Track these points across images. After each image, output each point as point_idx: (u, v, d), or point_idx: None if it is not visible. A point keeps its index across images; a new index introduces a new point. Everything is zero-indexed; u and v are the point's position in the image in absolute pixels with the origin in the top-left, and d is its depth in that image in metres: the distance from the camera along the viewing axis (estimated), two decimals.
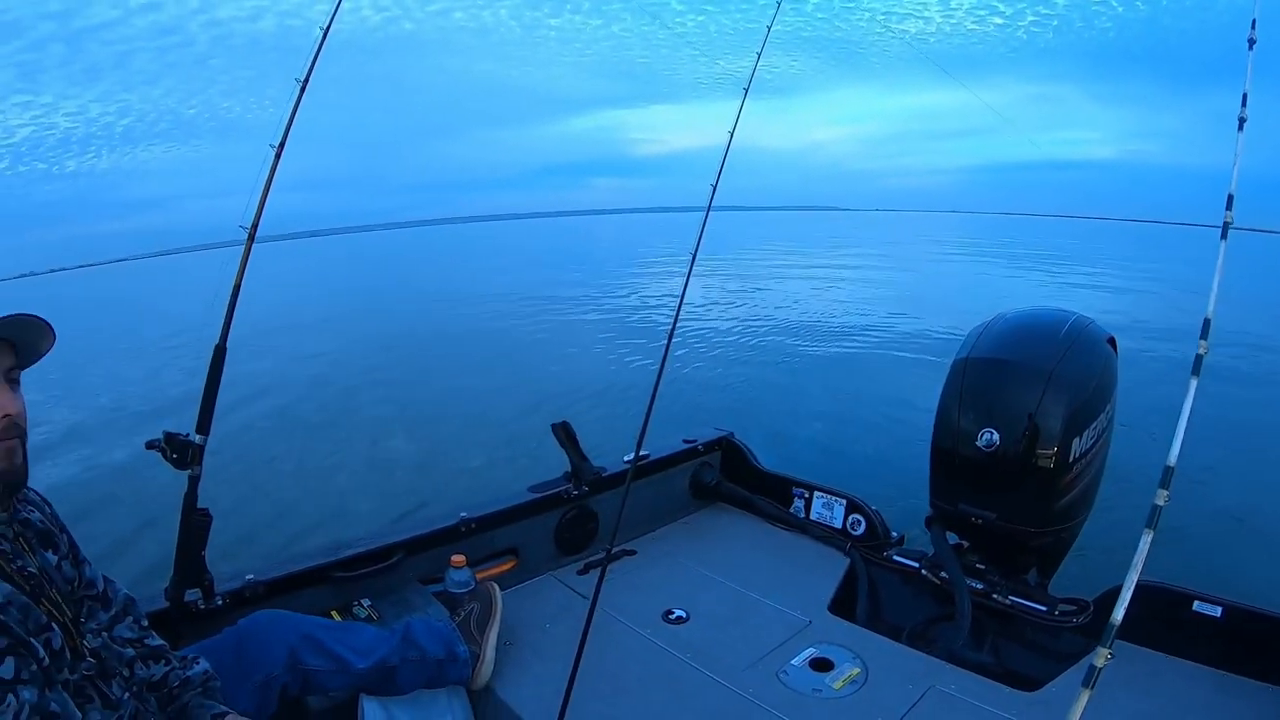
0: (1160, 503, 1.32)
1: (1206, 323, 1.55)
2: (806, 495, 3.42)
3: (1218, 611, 2.41)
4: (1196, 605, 2.44)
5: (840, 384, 10.12)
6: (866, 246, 43.50)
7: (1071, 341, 2.75)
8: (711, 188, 2.87)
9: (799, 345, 12.92)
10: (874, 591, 3.04)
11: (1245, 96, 1.92)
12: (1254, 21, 2.05)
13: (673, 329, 2.75)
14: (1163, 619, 2.46)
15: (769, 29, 3.08)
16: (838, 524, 3.30)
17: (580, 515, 3.19)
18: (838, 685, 2.35)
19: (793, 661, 2.46)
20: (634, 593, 2.90)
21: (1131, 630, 2.38)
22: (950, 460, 2.81)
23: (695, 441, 3.66)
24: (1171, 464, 1.37)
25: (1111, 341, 2.93)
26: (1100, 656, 1.28)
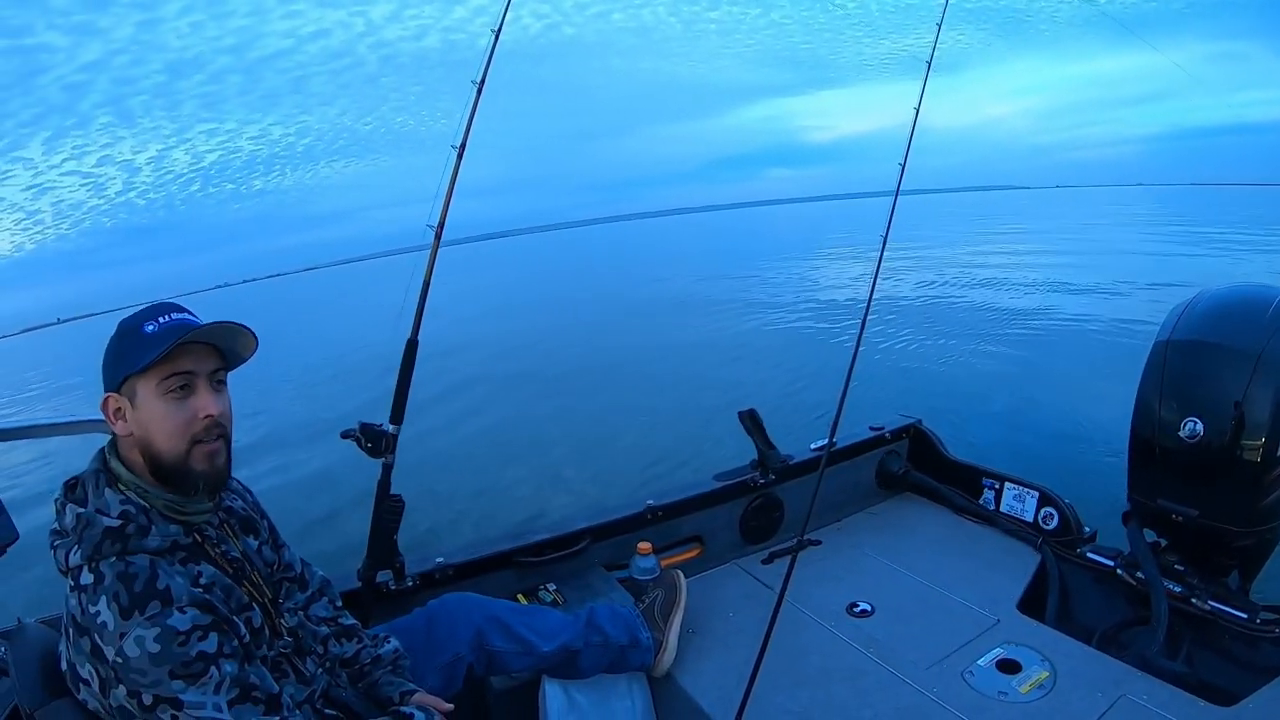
0: None
1: None
2: (997, 486, 3.27)
3: None
4: None
5: (1030, 369, 9.65)
6: (1050, 226, 41.29)
7: None
8: (900, 166, 2.79)
9: (986, 330, 12.42)
10: (1065, 590, 2.86)
11: None
12: None
13: (865, 315, 2.69)
14: None
15: (947, 4, 2.96)
16: (1029, 517, 3.13)
17: (766, 504, 3.17)
18: (1025, 689, 2.24)
19: (979, 662, 2.37)
20: (818, 584, 2.85)
21: None
22: (1150, 451, 2.60)
23: (883, 429, 3.56)
24: None
25: None
26: None
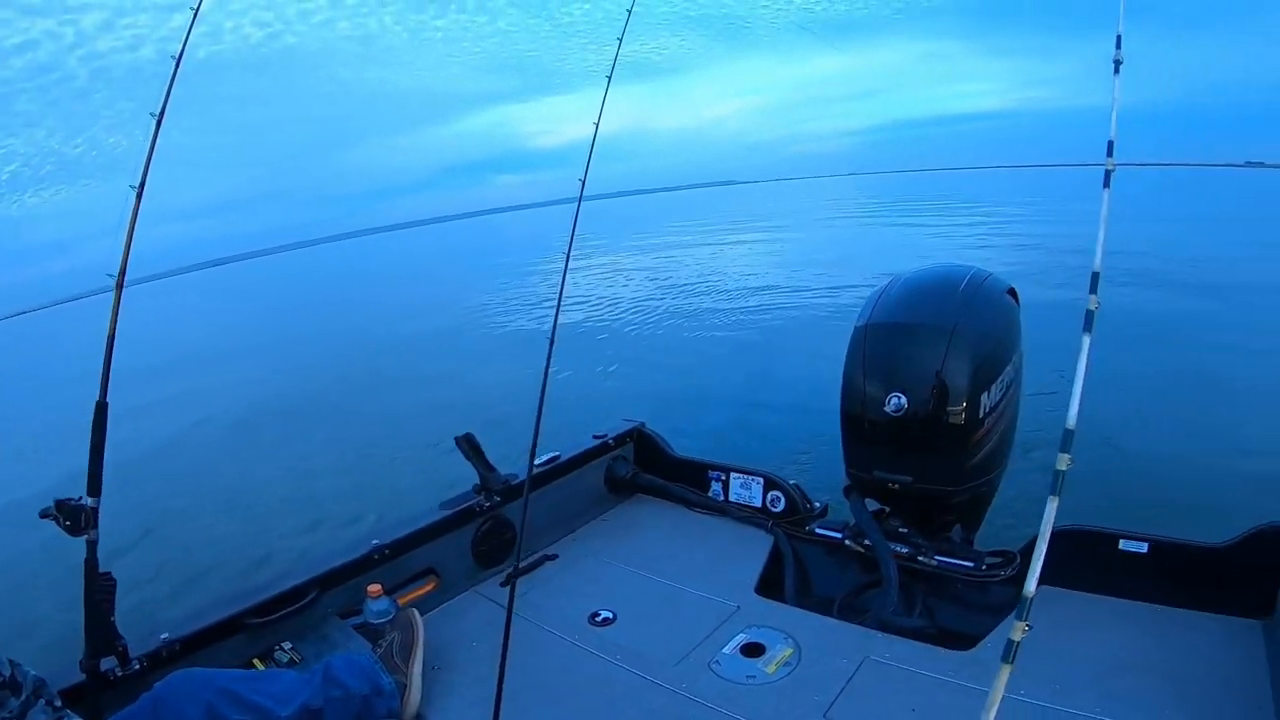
0: (1063, 467, 1.31)
1: (1095, 276, 1.54)
2: (723, 477, 3.41)
3: (1144, 548, 2.47)
4: (1123, 544, 2.50)
5: (748, 360, 10.21)
6: (768, 218, 43.82)
7: (971, 296, 2.76)
8: (580, 182, 2.79)
9: (704, 325, 12.99)
10: (800, 567, 3.04)
11: (1119, 39, 1.90)
12: None
13: (554, 328, 2.66)
14: (1091, 561, 2.51)
15: (629, 12, 3.03)
16: (757, 503, 3.29)
17: (495, 526, 3.13)
18: (771, 669, 2.33)
19: (724, 650, 2.43)
20: (558, 598, 2.85)
21: (1061, 575, 2.44)
22: (860, 428, 2.80)
23: (605, 436, 3.63)
24: (1071, 426, 1.36)
25: (1012, 293, 2.95)
26: (1023, 613, 1.26)
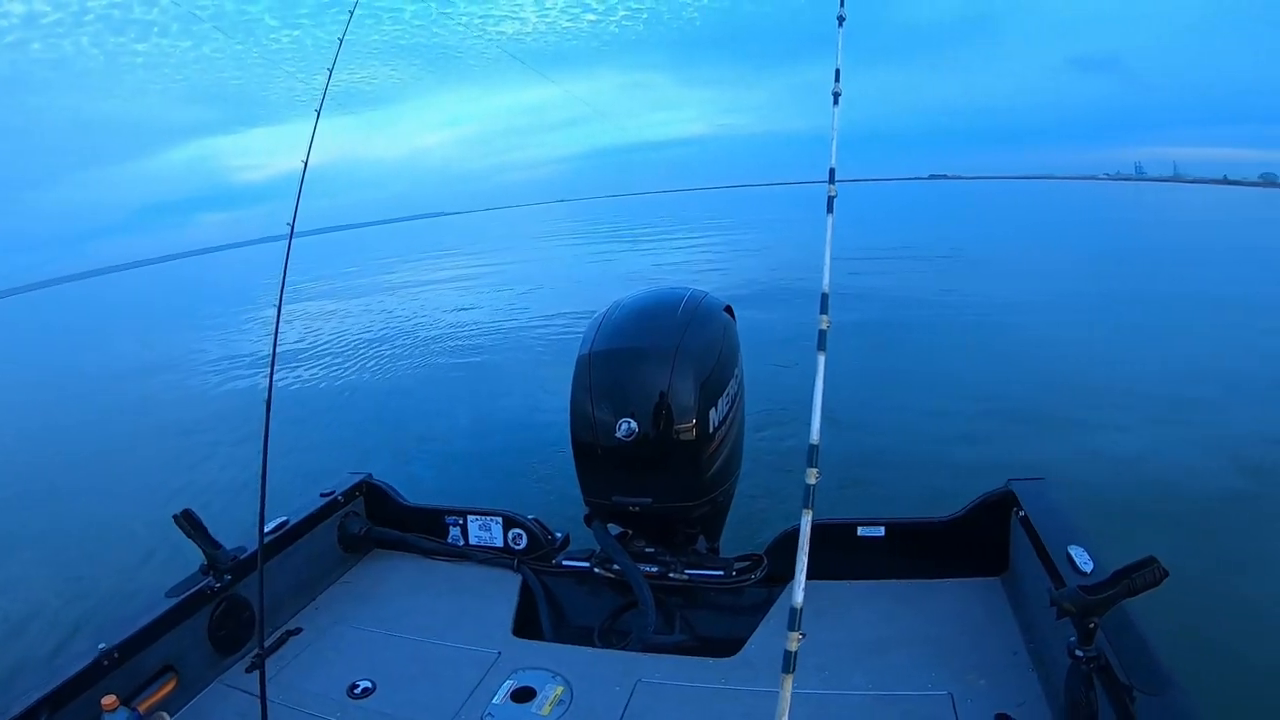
0: (812, 482, 1.37)
1: (824, 297, 1.61)
2: (461, 521, 3.28)
3: (881, 531, 2.70)
4: (861, 530, 2.70)
5: (475, 396, 10.05)
6: (481, 249, 43.75)
7: (690, 316, 2.83)
8: (289, 226, 2.60)
9: (427, 364, 12.65)
10: (554, 602, 2.99)
11: (839, 72, 2.04)
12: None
13: (270, 384, 2.47)
14: (836, 550, 2.66)
15: (341, 41, 2.88)
16: (499, 543, 3.19)
17: (231, 606, 2.80)
18: (545, 710, 2.27)
19: (494, 701, 2.34)
20: (312, 675, 2.61)
21: (810, 568, 2.55)
22: (594, 455, 2.79)
23: (333, 492, 3.36)
24: (815, 442, 1.42)
25: (729, 310, 3.07)
26: (793, 622, 1.31)
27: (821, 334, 1.57)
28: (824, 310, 1.61)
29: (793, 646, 1.28)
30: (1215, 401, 8.01)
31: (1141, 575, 1.67)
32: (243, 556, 2.78)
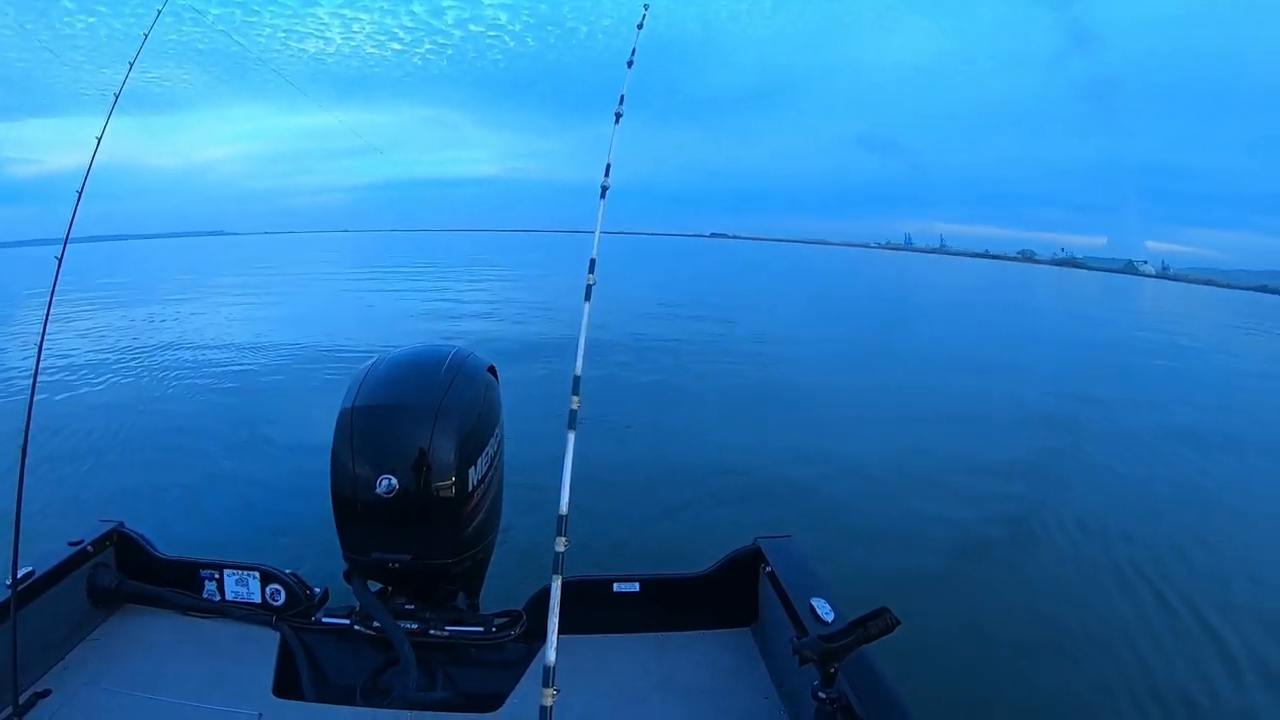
0: (560, 549, 1.53)
1: (576, 380, 1.79)
2: (217, 576, 3.15)
3: (636, 587, 2.91)
4: (616, 586, 2.91)
5: (237, 437, 9.58)
6: (255, 275, 41.61)
7: (454, 375, 2.93)
8: (63, 245, 2.58)
9: (187, 398, 11.97)
10: (314, 661, 2.96)
11: (609, 167, 2.25)
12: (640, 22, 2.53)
13: (28, 420, 2.40)
14: (592, 606, 2.87)
15: (146, 36, 2.84)
16: (256, 599, 3.10)
17: None
18: None
19: None
20: None
21: (568, 623, 2.69)
22: (354, 511, 2.81)
23: (82, 542, 3.16)
24: (564, 513, 1.59)
25: (492, 370, 3.21)
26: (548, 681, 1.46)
27: (572, 414, 1.74)
28: (575, 391, 1.79)
29: (548, 702, 1.43)
30: (956, 472, 9.06)
31: (876, 624, 1.95)
32: None
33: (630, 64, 2.48)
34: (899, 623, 1.92)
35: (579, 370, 1.80)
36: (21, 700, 2.41)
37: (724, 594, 2.96)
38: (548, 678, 1.46)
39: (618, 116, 2.26)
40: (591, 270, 2.02)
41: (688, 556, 3.36)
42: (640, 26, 2.65)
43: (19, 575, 2.54)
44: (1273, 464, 11.09)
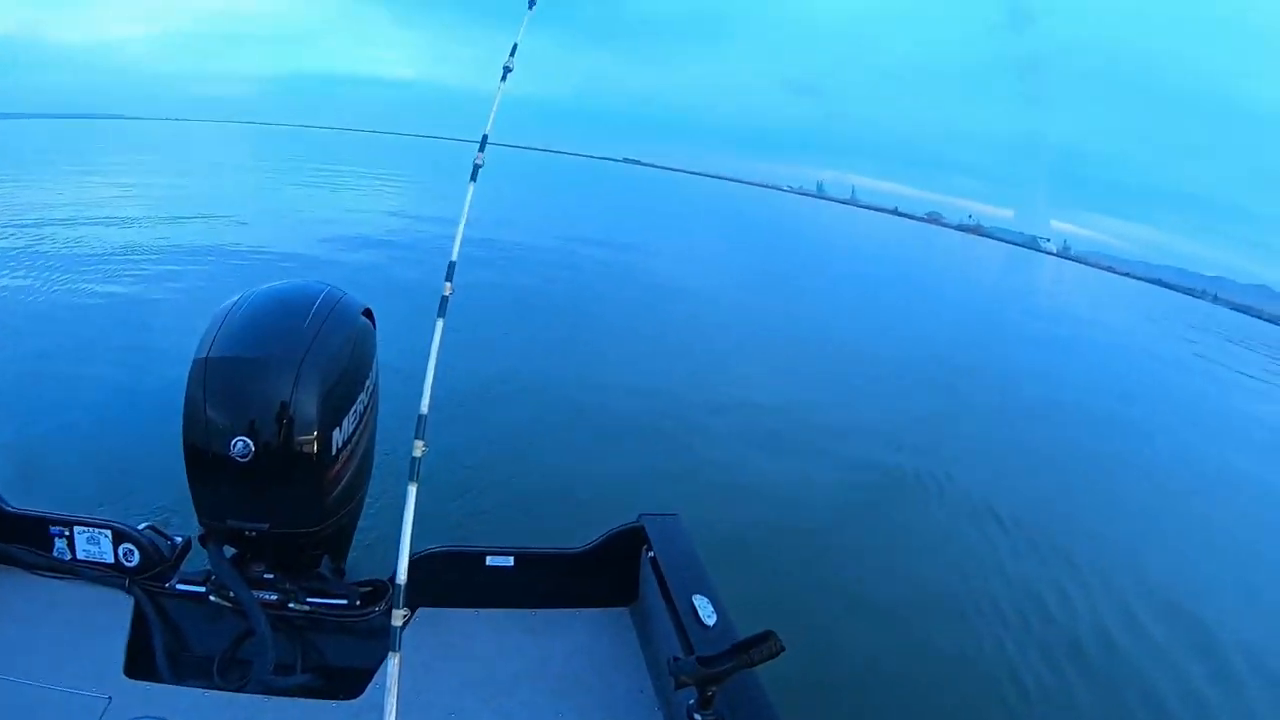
0: (418, 454, 1.35)
1: (451, 265, 1.61)
2: (67, 533, 2.82)
3: (510, 560, 2.70)
4: (489, 560, 2.69)
5: (98, 367, 8.22)
6: (149, 165, 39.06)
7: (322, 322, 2.63)
8: None
9: (42, 311, 10.08)
10: (170, 629, 2.68)
11: (515, 47, 2.09)
12: None
13: None
14: (463, 579, 2.67)
15: None
16: (109, 559, 2.79)
17: None
18: None
19: None
20: None
21: (437, 595, 2.57)
22: (208, 473, 2.54)
23: None
24: (423, 413, 1.40)
25: (368, 313, 2.89)
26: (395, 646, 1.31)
27: (444, 300, 1.57)
28: (449, 278, 1.61)
29: (393, 669, 1.30)
30: (841, 434, 9.01)
31: (760, 650, 1.80)
32: None
33: (532, 3, 2.29)
34: (783, 649, 1.78)
35: (455, 255, 1.63)
36: None
37: (604, 572, 2.80)
38: (395, 641, 1.29)
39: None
40: (482, 148, 1.86)
41: (567, 531, 3.23)
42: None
43: None
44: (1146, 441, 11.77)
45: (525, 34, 2.17)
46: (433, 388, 1.47)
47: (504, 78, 2.04)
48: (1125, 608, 5.90)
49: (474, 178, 1.80)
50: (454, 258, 1.64)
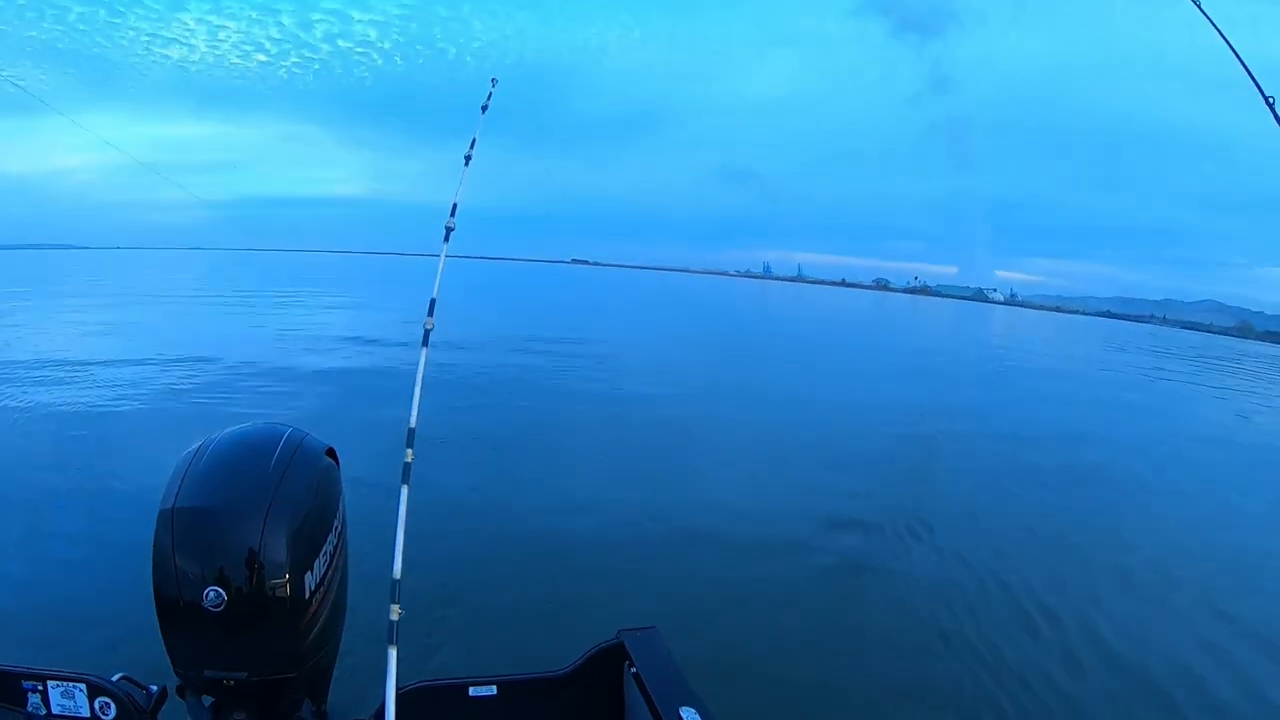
0: (394, 618, 1.40)
1: (411, 432, 1.68)
2: (40, 687, 2.82)
3: (493, 690, 2.68)
4: (472, 691, 2.67)
5: (60, 510, 8.13)
6: (95, 297, 38.79)
7: (287, 463, 2.60)
8: None
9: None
10: None
11: (454, 207, 2.20)
12: (493, 81, 2.50)
13: None
14: (447, 714, 2.66)
15: None
16: (85, 713, 2.80)
17: None
18: None
19: None
20: None
21: None
22: (179, 626, 2.45)
23: None
24: (397, 577, 1.46)
25: (331, 453, 2.90)
26: None
27: (406, 467, 1.64)
28: (409, 444, 1.68)
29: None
30: (810, 524, 8.92)
31: None
32: None
33: (468, 159, 2.43)
34: None
35: (413, 423, 1.71)
36: None
37: (588, 695, 2.80)
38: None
39: (467, 159, 2.22)
40: (431, 313, 1.95)
41: (546, 652, 3.23)
42: (485, 109, 2.58)
43: None
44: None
45: (480, 133, 2.39)
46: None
47: (467, 163, 2.26)
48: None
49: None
50: (412, 425, 1.72)
